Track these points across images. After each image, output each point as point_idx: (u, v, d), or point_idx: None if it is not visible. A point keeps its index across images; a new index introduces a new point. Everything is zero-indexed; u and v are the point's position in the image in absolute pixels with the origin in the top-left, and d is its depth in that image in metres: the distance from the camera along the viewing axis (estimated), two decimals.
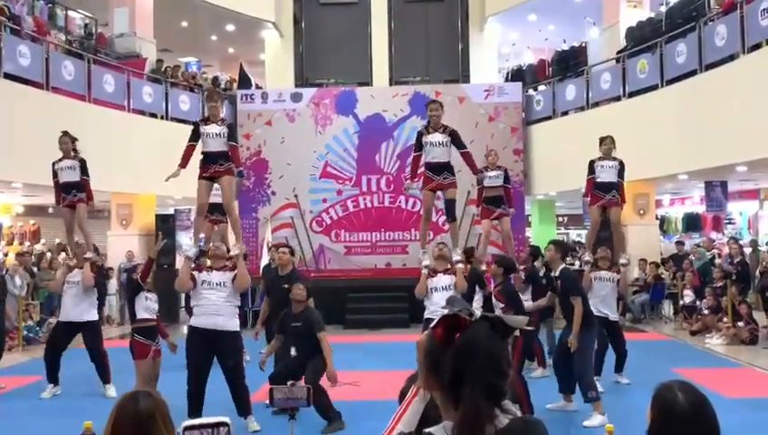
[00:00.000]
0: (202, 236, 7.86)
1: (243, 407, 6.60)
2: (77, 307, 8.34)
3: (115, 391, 7.96)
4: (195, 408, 6.43)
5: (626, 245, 9.20)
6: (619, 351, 8.48)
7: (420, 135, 7.82)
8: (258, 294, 11.98)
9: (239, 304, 6.86)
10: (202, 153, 7.34)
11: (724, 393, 7.32)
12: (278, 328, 6.99)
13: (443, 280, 7.13)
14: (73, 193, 8.52)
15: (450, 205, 7.86)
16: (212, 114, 7.30)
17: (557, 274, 7.12)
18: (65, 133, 8.65)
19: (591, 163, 8.74)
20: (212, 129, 7.21)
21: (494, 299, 7.02)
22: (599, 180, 8.64)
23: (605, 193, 8.58)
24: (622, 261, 8.69)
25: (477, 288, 7.95)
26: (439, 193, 8.00)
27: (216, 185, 7.32)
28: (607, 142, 8.71)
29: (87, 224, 8.74)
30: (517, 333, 6.69)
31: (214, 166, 7.22)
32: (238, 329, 6.75)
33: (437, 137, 7.67)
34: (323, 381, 6.63)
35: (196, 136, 7.29)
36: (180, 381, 6.62)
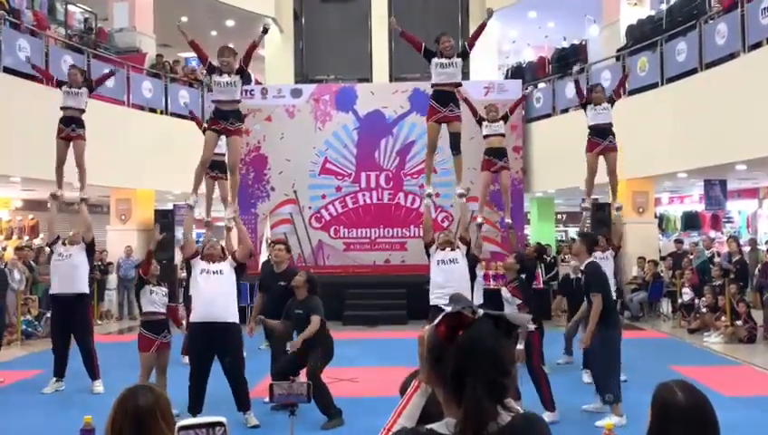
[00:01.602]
0: (201, 199, 7.80)
1: (242, 402, 6.60)
2: (68, 279, 8.30)
3: (102, 388, 8.02)
4: (196, 403, 6.42)
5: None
6: None
7: (431, 53, 7.89)
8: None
9: (235, 291, 6.76)
10: (213, 102, 7.32)
11: (723, 392, 7.33)
12: (284, 315, 7.00)
13: (449, 254, 7.36)
14: (72, 127, 8.67)
15: (455, 138, 7.96)
16: (224, 69, 7.19)
17: (583, 267, 6.96)
18: (73, 66, 9.12)
19: (584, 106, 8.82)
20: (223, 78, 7.13)
21: (508, 294, 6.95)
22: (593, 123, 8.71)
23: (602, 138, 8.67)
24: (616, 205, 8.77)
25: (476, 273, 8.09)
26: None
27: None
28: (598, 90, 8.87)
29: (84, 161, 8.84)
30: (532, 327, 6.73)
31: (224, 123, 7.18)
32: (237, 321, 6.69)
33: (446, 60, 7.78)
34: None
35: (210, 68, 7.22)
36: (182, 375, 6.63)
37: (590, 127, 8.79)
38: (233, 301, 6.67)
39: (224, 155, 8.34)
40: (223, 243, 7.94)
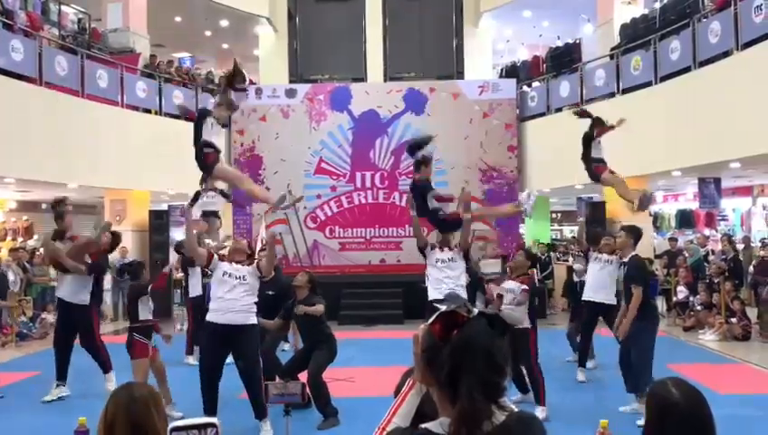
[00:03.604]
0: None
1: (257, 410, 6.36)
2: (69, 286, 8.10)
3: (114, 383, 7.76)
4: (210, 405, 6.30)
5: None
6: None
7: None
8: None
9: (256, 299, 6.56)
10: None
11: (718, 389, 7.35)
12: (283, 313, 7.00)
13: (447, 253, 7.29)
14: None
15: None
16: None
17: (626, 259, 6.92)
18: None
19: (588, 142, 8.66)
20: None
21: (515, 284, 6.99)
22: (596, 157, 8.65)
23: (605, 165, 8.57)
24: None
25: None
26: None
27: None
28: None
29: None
30: (528, 325, 6.81)
31: None
32: (255, 322, 6.50)
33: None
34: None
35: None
36: (185, 377, 6.62)
37: (593, 158, 8.61)
38: (252, 309, 6.47)
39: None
40: (224, 248, 7.85)
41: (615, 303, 8.21)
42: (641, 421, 6.29)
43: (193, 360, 9.53)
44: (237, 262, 6.51)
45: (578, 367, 8.64)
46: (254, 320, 6.47)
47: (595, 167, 8.20)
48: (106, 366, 8.12)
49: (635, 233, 7.10)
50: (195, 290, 9.78)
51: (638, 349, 6.67)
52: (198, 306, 9.18)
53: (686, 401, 2.17)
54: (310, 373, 6.53)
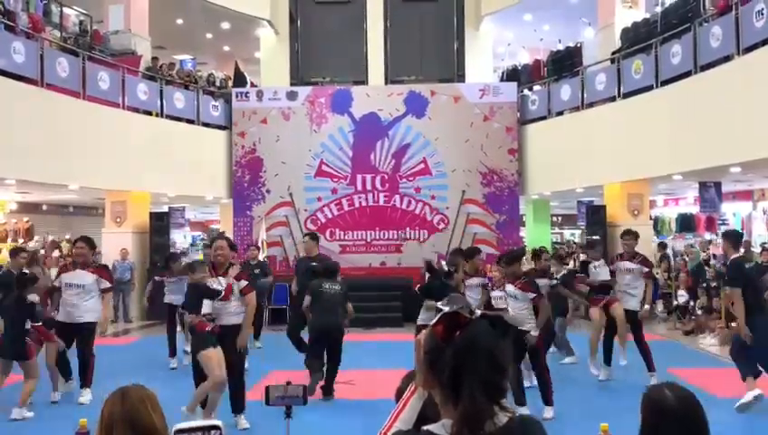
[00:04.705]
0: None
1: (237, 404, 6.55)
2: (78, 309, 7.85)
3: (88, 398, 7.64)
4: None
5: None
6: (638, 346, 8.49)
7: None
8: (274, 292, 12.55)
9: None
10: None
11: (718, 393, 7.34)
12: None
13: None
14: None
15: None
16: None
17: (728, 263, 7.10)
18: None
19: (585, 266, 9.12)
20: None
21: (518, 290, 7.06)
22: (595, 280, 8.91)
23: (604, 294, 8.82)
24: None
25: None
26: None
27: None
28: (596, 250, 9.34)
29: None
30: (535, 333, 6.92)
31: None
32: (241, 323, 6.65)
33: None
34: None
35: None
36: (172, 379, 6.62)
37: (592, 287, 8.96)
38: (239, 314, 6.64)
39: None
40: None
41: (639, 308, 8.50)
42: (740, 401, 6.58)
43: (175, 362, 9.66)
44: (224, 274, 6.61)
45: (603, 364, 8.74)
46: (240, 321, 6.63)
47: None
48: (86, 380, 7.83)
49: (732, 237, 7.24)
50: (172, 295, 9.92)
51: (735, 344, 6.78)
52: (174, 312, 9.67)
53: (679, 403, 2.20)
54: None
